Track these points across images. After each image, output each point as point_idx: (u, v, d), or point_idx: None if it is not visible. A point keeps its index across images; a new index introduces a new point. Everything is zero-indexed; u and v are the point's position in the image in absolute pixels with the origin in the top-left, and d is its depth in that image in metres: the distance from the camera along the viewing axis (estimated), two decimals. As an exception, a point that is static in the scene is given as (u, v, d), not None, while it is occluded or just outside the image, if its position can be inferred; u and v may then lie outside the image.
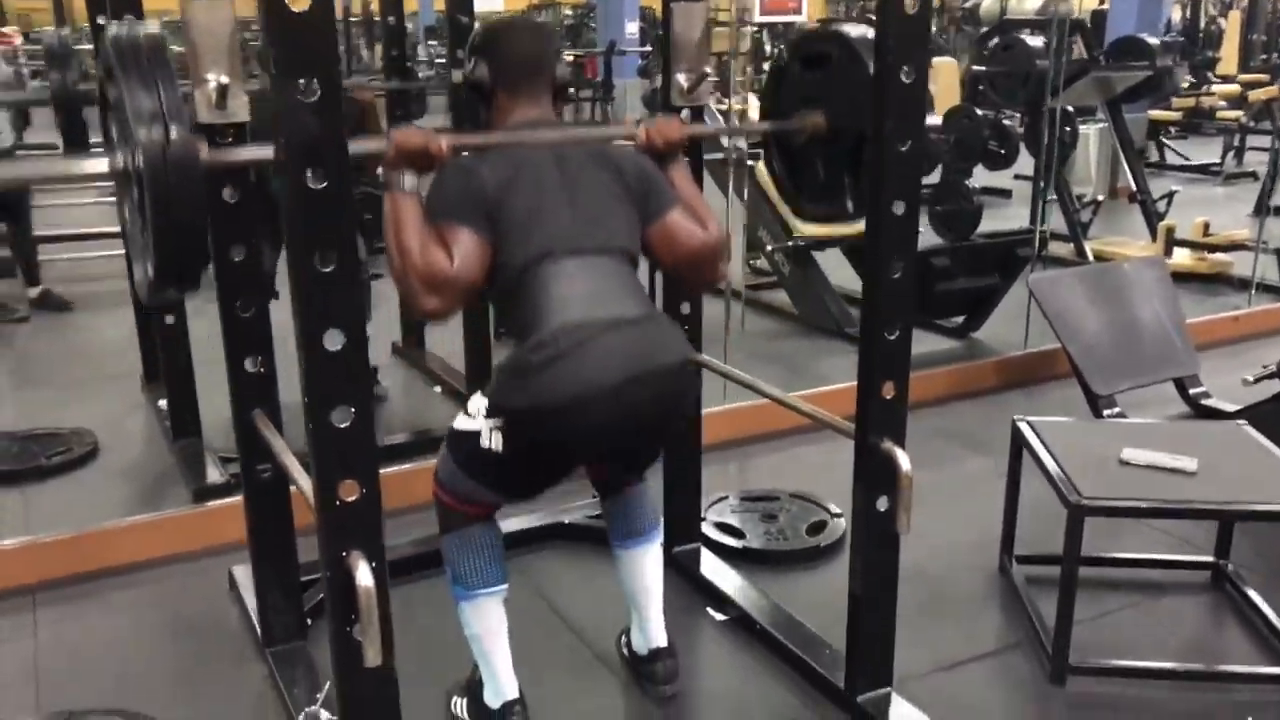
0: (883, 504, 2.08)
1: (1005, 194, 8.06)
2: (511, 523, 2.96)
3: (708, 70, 2.50)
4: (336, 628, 1.66)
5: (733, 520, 3.04)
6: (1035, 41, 6.24)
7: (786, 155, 2.46)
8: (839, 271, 5.29)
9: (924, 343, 4.75)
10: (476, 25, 3.05)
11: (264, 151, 1.51)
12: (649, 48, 12.51)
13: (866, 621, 2.18)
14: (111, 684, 2.37)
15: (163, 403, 3.72)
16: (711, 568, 2.78)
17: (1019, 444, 2.65)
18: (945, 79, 8.05)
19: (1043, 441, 2.54)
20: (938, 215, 6.79)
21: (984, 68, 6.36)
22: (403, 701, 2.24)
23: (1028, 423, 2.66)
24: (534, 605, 2.67)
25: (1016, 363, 4.35)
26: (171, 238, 1.55)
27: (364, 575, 1.61)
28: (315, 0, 1.43)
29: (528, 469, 2.01)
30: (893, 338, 2.02)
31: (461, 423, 2.01)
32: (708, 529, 2.98)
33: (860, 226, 5.29)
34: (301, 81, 1.45)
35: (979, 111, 6.63)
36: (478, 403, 1.99)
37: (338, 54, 1.48)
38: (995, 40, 6.40)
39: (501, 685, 2.13)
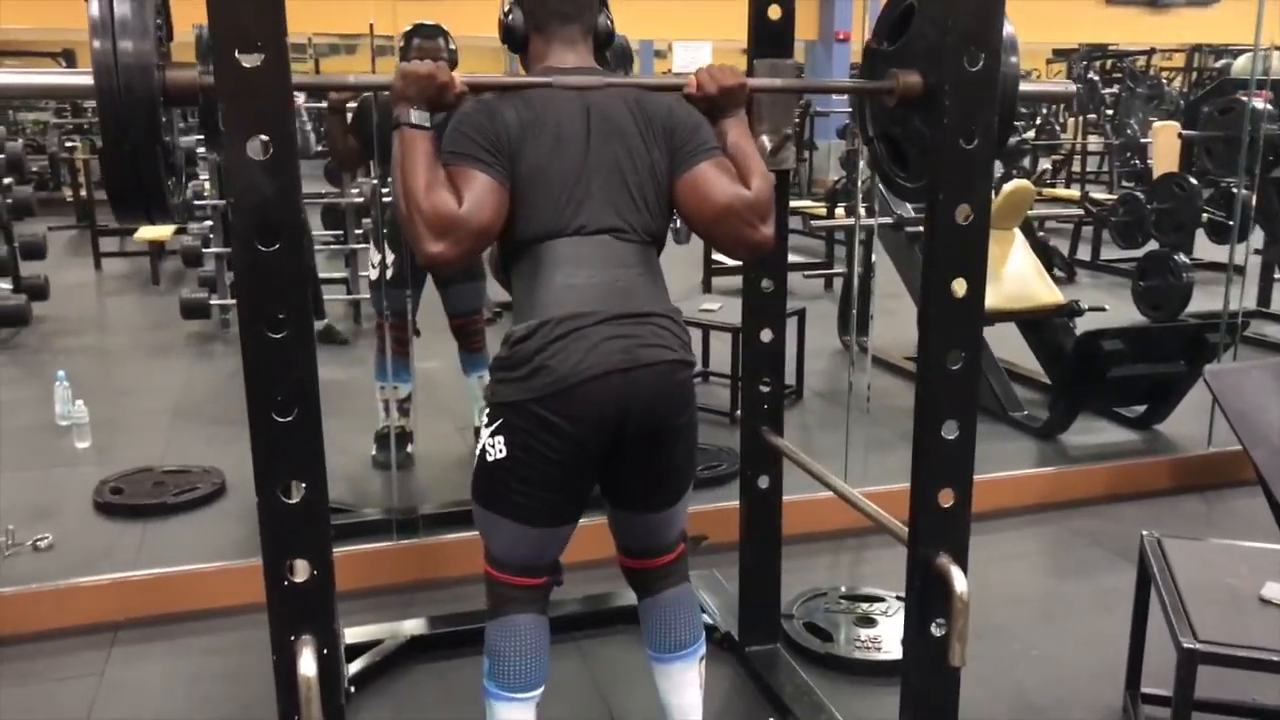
0: (938, 628, 1.81)
1: (1238, 270, 7.29)
2: (582, 604, 2.81)
3: (789, 132, 2.31)
4: (283, 715, 1.56)
5: (823, 621, 2.77)
6: (1267, 106, 5.63)
7: (881, 128, 2.16)
8: (1007, 345, 4.92)
9: (1098, 433, 4.32)
10: None
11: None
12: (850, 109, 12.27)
13: (919, 762, 1.89)
14: (153, 732, 2.37)
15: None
16: (785, 672, 2.53)
17: (1146, 564, 2.27)
18: (1164, 143, 7.41)
19: (1168, 565, 2.17)
20: (1141, 291, 6.24)
21: (1199, 132, 5.79)
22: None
23: (1156, 539, 2.29)
24: (586, 696, 2.50)
25: (1197, 464, 3.84)
26: (121, 157, 1.45)
27: (307, 664, 1.51)
28: (268, 56, 1.37)
29: (534, 474, 1.82)
30: (952, 438, 1.76)
31: (479, 445, 1.88)
32: (792, 627, 2.73)
33: (1042, 299, 4.89)
34: (253, 140, 1.39)
35: (1192, 180, 6.05)
36: (482, 419, 1.87)
37: (292, 112, 1.41)
38: (1212, 103, 5.82)
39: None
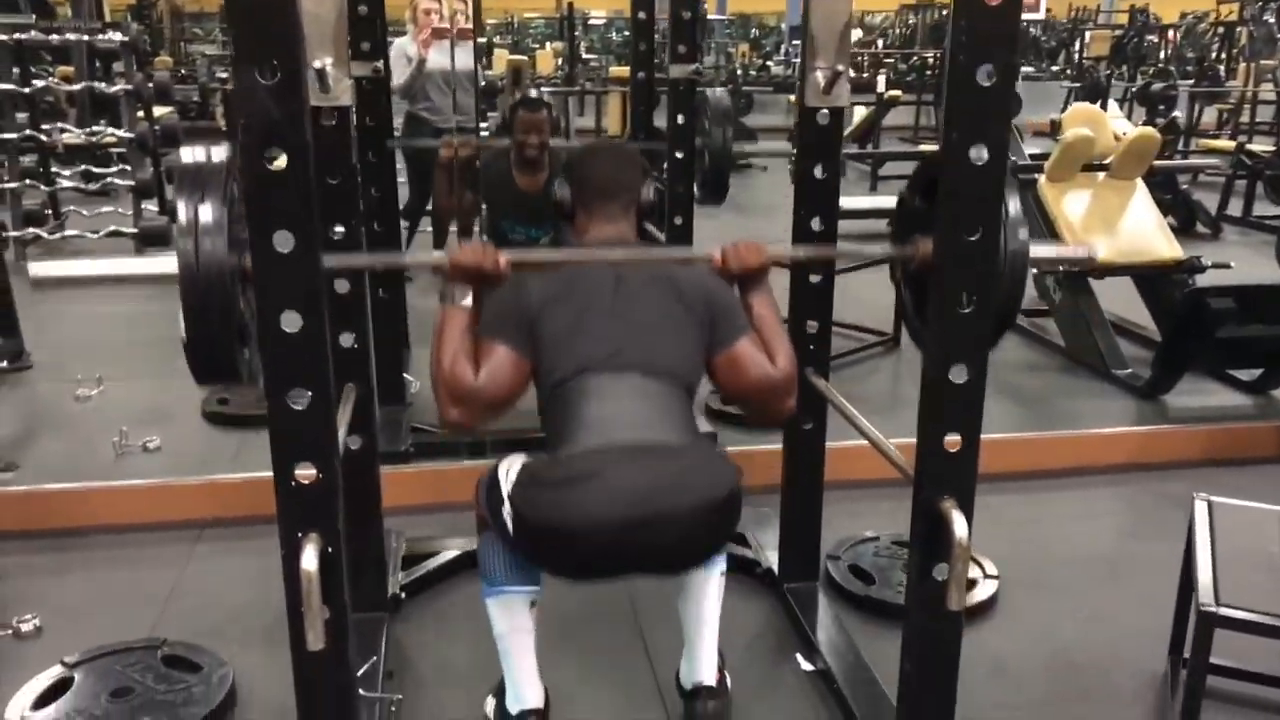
0: (940, 572, 1.79)
1: None
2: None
3: (840, 68, 2.27)
4: (290, 608, 1.68)
5: (869, 565, 2.77)
6: None
7: (908, 280, 2.20)
8: (1121, 303, 4.73)
9: (1206, 395, 4.13)
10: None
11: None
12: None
13: (917, 705, 1.89)
14: (221, 620, 2.56)
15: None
16: (821, 612, 2.55)
17: (1192, 527, 2.19)
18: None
19: (1211, 527, 2.10)
20: (1287, 246, 5.85)
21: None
22: (463, 692, 2.27)
23: (1206, 502, 2.21)
24: (619, 619, 2.58)
25: (1304, 432, 3.63)
26: (202, 342, 1.68)
27: (308, 559, 1.62)
28: (276, -16, 1.44)
29: (532, 559, 1.96)
30: (961, 382, 1.73)
31: (500, 472, 1.97)
32: (838, 569, 2.74)
33: (1160, 254, 4.67)
34: (262, 65, 1.46)
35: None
36: (514, 468, 1.94)
37: (300, 36, 1.48)
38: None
39: (522, 692, 2.07)
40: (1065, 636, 2.55)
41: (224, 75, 10.40)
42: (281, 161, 1.50)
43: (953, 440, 1.75)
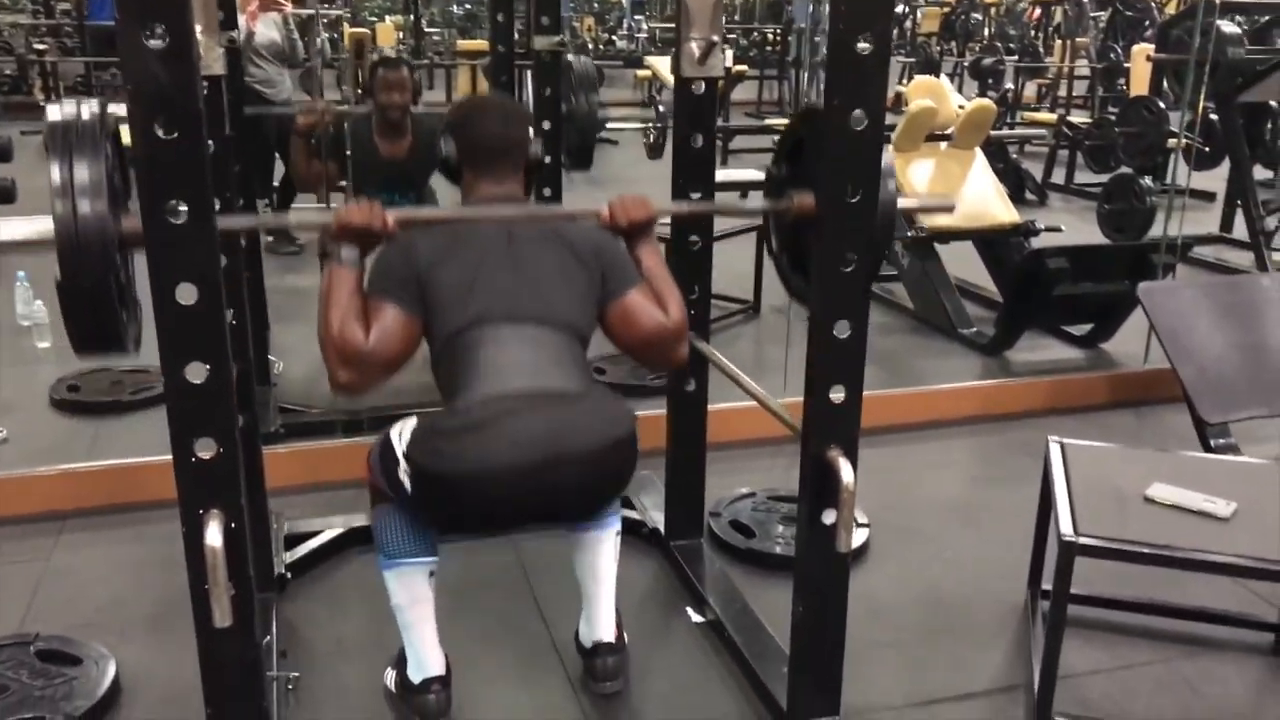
0: (829, 518, 1.89)
1: (1209, 196, 7.28)
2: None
3: (716, 39, 2.34)
4: (194, 586, 1.65)
5: (748, 520, 2.88)
6: (1232, 28, 5.62)
7: (782, 236, 2.30)
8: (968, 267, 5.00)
9: (1044, 350, 4.41)
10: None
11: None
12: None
13: (809, 646, 1.99)
14: (95, 612, 2.47)
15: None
16: (707, 567, 2.64)
17: (1048, 466, 2.37)
18: (1140, 66, 7.38)
19: (1065, 466, 2.27)
20: (1105, 214, 6.29)
21: (1165, 55, 5.78)
22: (360, 666, 2.26)
23: (1059, 444, 2.38)
24: (512, 584, 2.61)
25: (1131, 380, 3.93)
26: (79, 309, 1.58)
27: (213, 535, 1.60)
28: (161, -55, 1.40)
29: (433, 516, 1.98)
30: (844, 337, 1.82)
31: (393, 435, 1.97)
32: (719, 525, 2.83)
33: (998, 219, 4.93)
34: (149, 28, 1.42)
35: (1160, 104, 6.06)
36: (407, 429, 1.94)
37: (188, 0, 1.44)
38: (1182, 26, 5.80)
39: (423, 659, 2.08)
40: (932, 577, 2.71)
41: (41, 47, 9.76)
42: (173, 129, 1.46)
43: (837, 391, 1.85)
